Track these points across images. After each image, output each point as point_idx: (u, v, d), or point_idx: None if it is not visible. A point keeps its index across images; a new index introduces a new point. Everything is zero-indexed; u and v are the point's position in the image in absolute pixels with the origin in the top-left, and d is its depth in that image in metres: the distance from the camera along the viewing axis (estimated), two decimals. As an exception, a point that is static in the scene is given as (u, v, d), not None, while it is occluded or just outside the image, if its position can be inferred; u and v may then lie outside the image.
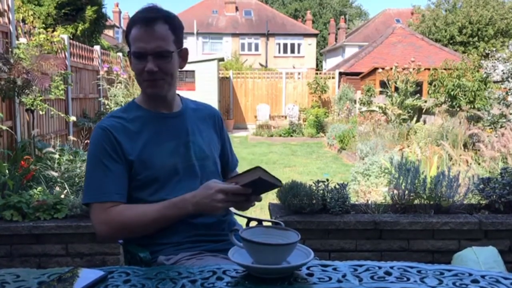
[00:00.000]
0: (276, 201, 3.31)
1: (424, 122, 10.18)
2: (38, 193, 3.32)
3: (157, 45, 1.46)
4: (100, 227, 1.47)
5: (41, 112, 4.90)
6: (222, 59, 16.92)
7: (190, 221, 1.52)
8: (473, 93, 9.57)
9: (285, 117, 16.05)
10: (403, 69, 10.67)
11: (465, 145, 6.75)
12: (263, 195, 1.45)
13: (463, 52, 19.78)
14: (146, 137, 1.55)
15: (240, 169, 1.94)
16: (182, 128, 1.61)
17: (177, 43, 1.53)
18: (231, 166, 1.85)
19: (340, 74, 17.00)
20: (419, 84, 11.83)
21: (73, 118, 6.05)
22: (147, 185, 1.53)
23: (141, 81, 1.53)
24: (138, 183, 1.53)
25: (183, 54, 1.59)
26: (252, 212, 1.67)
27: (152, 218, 1.45)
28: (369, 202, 3.41)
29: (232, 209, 1.68)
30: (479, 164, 5.50)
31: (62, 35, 6.87)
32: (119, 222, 1.46)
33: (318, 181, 3.15)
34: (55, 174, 3.76)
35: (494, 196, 3.19)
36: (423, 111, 10.80)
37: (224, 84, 17.02)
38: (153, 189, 1.52)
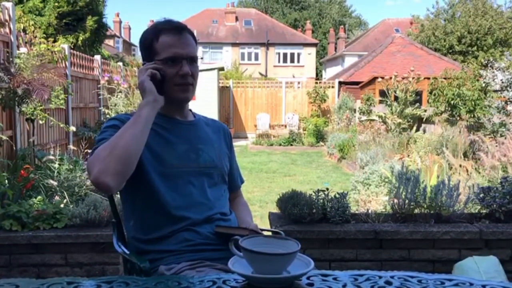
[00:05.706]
0: (276, 210, 3.30)
1: (424, 131, 10.19)
2: (38, 202, 3.31)
3: (190, 50, 1.59)
4: (93, 171, 1.33)
5: (40, 122, 4.90)
6: (222, 69, 16.98)
7: (192, 228, 1.53)
8: (473, 102, 9.59)
9: (285, 126, 16.08)
10: (403, 78, 10.69)
11: (465, 154, 6.75)
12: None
13: (463, 62, 19.84)
14: (158, 135, 1.57)
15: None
16: (195, 136, 1.66)
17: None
18: (237, 184, 1.85)
19: (340, 83, 17.04)
20: (418, 93, 11.87)
21: (72, 128, 6.05)
22: None
23: (172, 86, 1.58)
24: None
25: None
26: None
27: (137, 129, 1.40)
28: (369, 211, 3.40)
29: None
30: (479, 173, 5.49)
31: (62, 44, 6.90)
32: (105, 151, 1.35)
33: (318, 190, 3.15)
34: (55, 183, 3.75)
35: (495, 205, 3.19)
36: (423, 120, 10.82)
37: (224, 93, 17.06)
38: None
